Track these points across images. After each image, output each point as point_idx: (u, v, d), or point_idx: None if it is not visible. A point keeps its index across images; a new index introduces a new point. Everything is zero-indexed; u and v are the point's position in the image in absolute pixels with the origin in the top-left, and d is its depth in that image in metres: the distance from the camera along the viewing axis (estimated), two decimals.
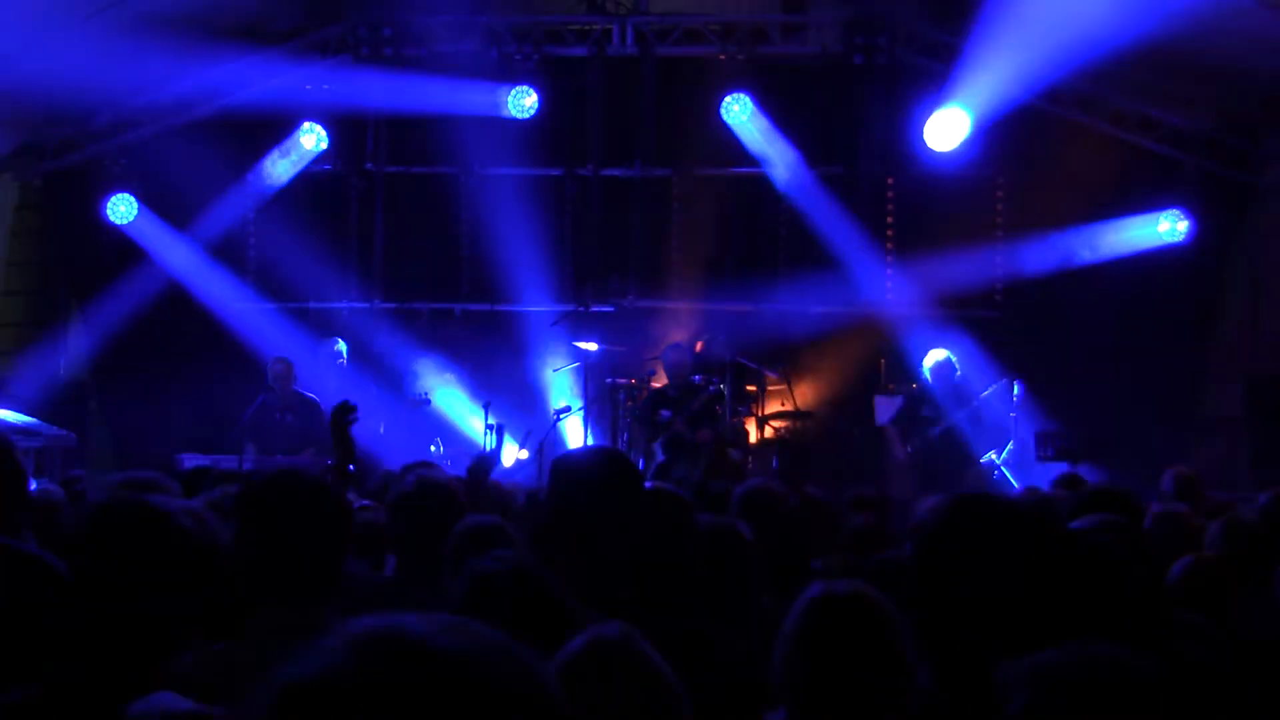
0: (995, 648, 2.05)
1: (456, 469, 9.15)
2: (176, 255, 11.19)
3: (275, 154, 11.21)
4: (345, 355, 10.17)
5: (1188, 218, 10.49)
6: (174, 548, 2.16)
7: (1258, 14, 8.52)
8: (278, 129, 11.16)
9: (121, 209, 11.12)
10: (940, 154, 10.60)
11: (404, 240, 11.48)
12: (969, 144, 10.53)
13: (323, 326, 10.97)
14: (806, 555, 4.30)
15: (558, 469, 3.14)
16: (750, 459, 9.85)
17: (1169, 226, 10.51)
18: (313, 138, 11.17)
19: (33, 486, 4.13)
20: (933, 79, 10.64)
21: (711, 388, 9.54)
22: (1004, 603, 1.97)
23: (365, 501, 5.10)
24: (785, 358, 10.47)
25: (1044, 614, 1.99)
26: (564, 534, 3.05)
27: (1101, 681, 1.68)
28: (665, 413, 9.40)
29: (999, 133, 10.51)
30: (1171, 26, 8.57)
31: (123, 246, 11.16)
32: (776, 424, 10.33)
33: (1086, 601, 2.44)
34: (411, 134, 11.19)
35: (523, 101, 10.88)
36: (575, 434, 10.35)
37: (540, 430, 10.14)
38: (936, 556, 2.06)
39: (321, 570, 2.42)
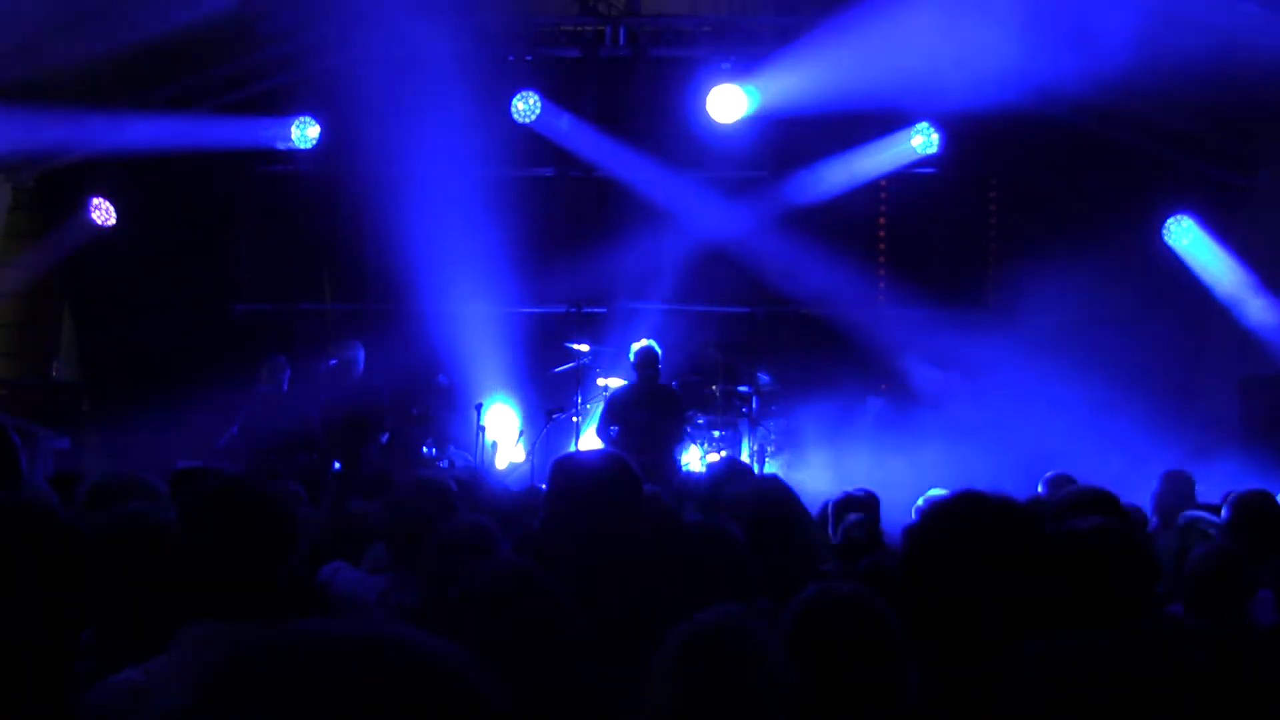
0: (984, 648, 2.05)
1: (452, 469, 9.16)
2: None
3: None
4: (361, 361, 9.90)
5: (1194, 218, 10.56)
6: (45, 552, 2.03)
7: (1251, 13, 8.53)
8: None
9: (105, 212, 11.12)
10: (931, 156, 10.65)
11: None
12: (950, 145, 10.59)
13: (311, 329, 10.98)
14: (802, 556, 4.29)
15: (559, 471, 3.14)
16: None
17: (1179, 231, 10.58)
18: (302, 131, 11.17)
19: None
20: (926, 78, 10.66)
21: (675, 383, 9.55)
22: (993, 602, 1.98)
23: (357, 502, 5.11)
24: (779, 359, 10.49)
25: (1033, 614, 1.99)
26: (564, 536, 3.04)
27: (1100, 672, 1.68)
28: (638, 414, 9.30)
29: (992, 135, 10.54)
30: (1165, 27, 8.58)
31: (116, 249, 11.16)
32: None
33: (1076, 601, 2.45)
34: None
35: (524, 105, 10.92)
36: (568, 436, 10.33)
37: (534, 432, 10.15)
38: (925, 555, 2.06)
39: (258, 581, 2.37)
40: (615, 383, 10.00)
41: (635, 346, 9.42)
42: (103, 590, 2.38)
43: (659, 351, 9.29)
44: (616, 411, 9.14)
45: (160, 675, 2.21)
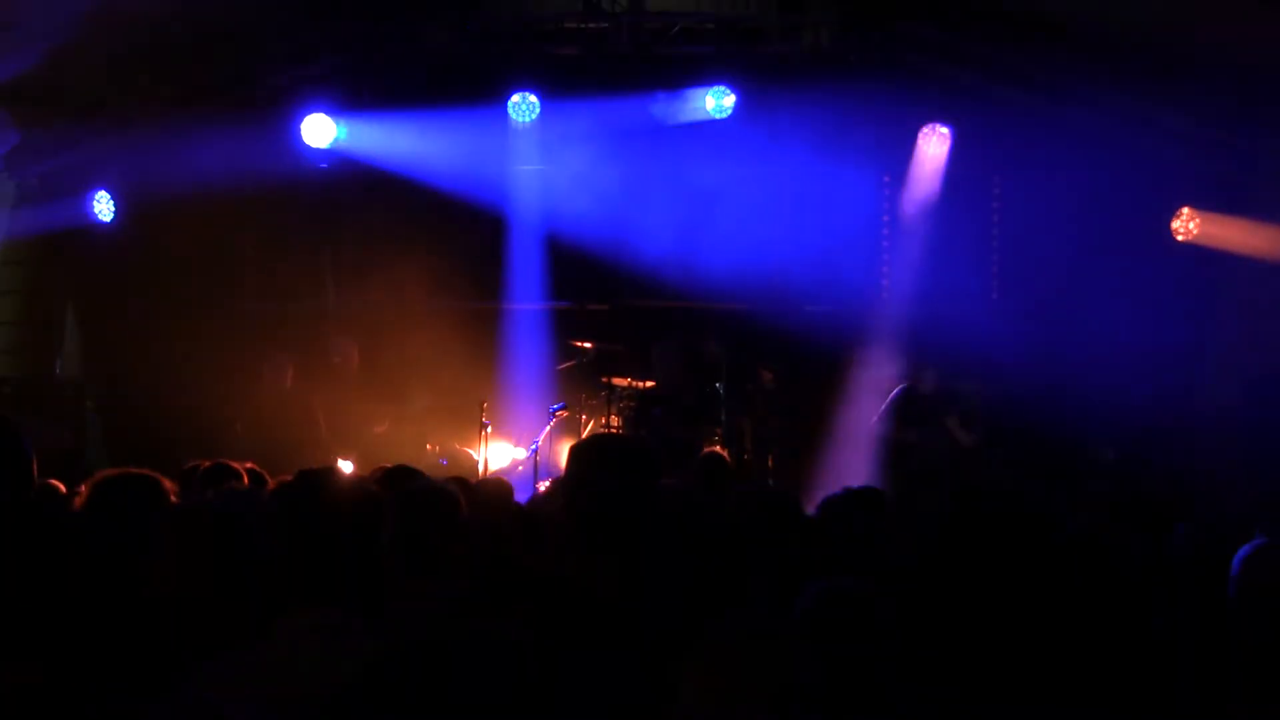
0: (998, 646, 2.05)
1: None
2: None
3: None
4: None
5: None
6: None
7: (1251, 6, 8.51)
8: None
9: (104, 206, 11.11)
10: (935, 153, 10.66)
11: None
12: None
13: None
14: (804, 554, 4.29)
15: (575, 454, 3.13)
16: (746, 459, 9.85)
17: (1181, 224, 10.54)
18: (319, 131, 11.15)
19: None
20: (929, 77, 10.67)
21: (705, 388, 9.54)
22: (1007, 599, 1.98)
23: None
24: (781, 357, 10.49)
25: (1045, 609, 1.99)
26: (578, 519, 3.03)
27: None
28: (657, 411, 9.37)
29: (995, 130, 10.54)
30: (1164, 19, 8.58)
31: (119, 246, 11.15)
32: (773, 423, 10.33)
33: (1085, 597, 2.45)
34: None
35: (525, 106, 10.92)
36: (570, 433, 10.34)
37: (535, 429, 10.14)
38: (942, 553, 2.06)
39: (360, 572, 2.37)
40: (619, 381, 10.02)
41: (659, 347, 9.48)
42: (208, 576, 2.38)
43: (683, 350, 9.35)
44: (646, 413, 9.22)
45: (264, 663, 2.20)
